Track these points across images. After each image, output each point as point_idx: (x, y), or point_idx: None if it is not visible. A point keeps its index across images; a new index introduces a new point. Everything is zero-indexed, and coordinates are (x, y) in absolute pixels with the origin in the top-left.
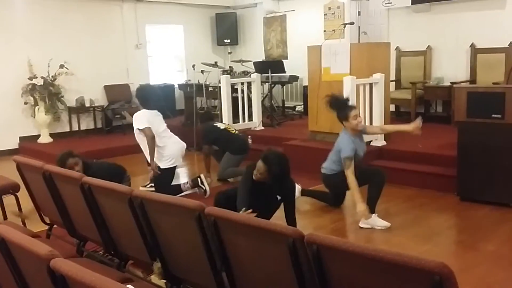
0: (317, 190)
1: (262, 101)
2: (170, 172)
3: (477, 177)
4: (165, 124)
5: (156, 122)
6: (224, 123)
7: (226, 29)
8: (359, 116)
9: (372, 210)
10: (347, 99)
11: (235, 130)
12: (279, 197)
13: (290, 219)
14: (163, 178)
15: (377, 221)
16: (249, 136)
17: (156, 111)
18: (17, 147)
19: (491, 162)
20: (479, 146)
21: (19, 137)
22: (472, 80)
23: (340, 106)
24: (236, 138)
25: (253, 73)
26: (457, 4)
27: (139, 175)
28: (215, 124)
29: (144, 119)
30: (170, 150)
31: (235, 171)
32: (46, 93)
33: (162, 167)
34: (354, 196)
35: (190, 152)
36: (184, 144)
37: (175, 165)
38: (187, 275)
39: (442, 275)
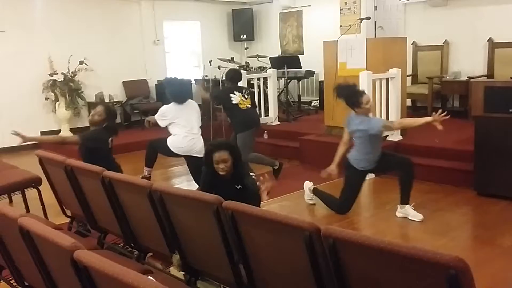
0: (326, 194)
1: (278, 96)
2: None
3: (494, 172)
4: (189, 117)
5: (181, 117)
6: (240, 95)
7: (243, 25)
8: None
9: (405, 201)
10: (354, 85)
11: (247, 105)
12: (238, 186)
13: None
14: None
15: (410, 212)
16: (265, 131)
17: (190, 100)
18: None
19: (508, 157)
20: (496, 141)
21: (40, 132)
22: (490, 75)
23: (350, 94)
24: (242, 113)
25: (269, 68)
26: None
27: (156, 170)
28: (230, 95)
29: (161, 117)
30: (172, 141)
31: (261, 158)
32: (66, 88)
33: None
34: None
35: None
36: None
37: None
38: (205, 267)
39: (457, 269)
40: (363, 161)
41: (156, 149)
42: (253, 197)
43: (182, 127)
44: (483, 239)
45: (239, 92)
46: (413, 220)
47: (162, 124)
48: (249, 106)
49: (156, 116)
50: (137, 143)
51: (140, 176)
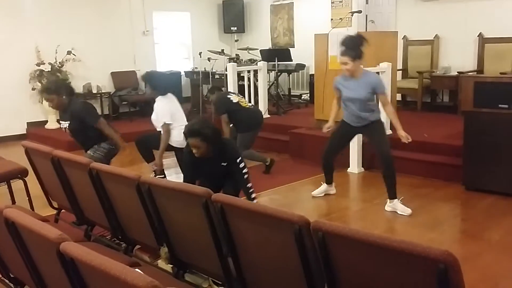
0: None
1: (268, 89)
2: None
3: (483, 166)
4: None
5: (177, 110)
6: (236, 95)
7: (233, 17)
8: (346, 65)
9: (392, 195)
10: (357, 40)
11: (249, 104)
12: (224, 164)
13: (240, 184)
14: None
15: (398, 206)
16: None
17: (170, 94)
18: (25, 132)
19: (497, 152)
20: (485, 136)
21: (27, 123)
22: (480, 70)
23: (344, 42)
24: (247, 112)
25: (260, 61)
26: None
27: (144, 162)
28: (228, 96)
29: (168, 113)
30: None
31: (253, 155)
32: (53, 79)
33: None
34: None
35: None
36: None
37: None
38: (194, 260)
39: (447, 263)
40: (344, 112)
41: (147, 144)
42: (239, 174)
43: (179, 120)
44: (471, 234)
45: (234, 94)
46: (401, 214)
47: (169, 120)
48: (251, 105)
49: (160, 118)
50: (125, 134)
51: (153, 175)
